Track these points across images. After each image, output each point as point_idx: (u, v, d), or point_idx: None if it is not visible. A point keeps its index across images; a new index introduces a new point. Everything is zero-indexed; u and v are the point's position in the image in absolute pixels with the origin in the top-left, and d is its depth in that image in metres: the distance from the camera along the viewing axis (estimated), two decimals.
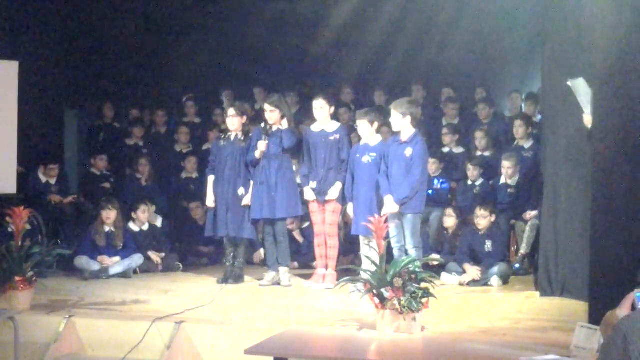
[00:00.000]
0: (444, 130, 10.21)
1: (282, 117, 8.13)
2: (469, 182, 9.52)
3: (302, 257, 9.39)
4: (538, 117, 10.03)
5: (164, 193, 10.52)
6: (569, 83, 6.45)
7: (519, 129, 9.56)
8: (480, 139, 9.86)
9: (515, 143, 9.67)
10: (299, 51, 12.33)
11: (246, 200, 8.13)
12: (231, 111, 8.37)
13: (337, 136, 8.04)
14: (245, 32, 12.12)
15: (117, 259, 8.69)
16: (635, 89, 5.54)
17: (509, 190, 9.21)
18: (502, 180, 9.28)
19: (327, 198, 7.94)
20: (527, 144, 9.54)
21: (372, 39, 11.67)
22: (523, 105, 10.84)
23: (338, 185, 7.93)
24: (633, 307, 2.23)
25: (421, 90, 11.18)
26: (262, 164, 8.09)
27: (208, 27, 12.26)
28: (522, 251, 8.88)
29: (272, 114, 8.12)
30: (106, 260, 8.64)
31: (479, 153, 9.87)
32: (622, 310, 2.24)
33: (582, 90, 6.37)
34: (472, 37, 11.36)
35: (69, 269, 8.71)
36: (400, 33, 11.66)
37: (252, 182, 8.17)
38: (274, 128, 8.15)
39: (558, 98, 7.18)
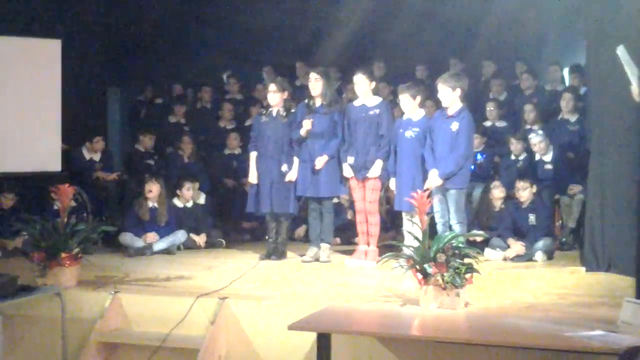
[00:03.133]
0: (490, 105, 10.10)
1: (323, 92, 8.08)
2: (512, 157, 9.41)
3: (344, 233, 9.37)
4: (583, 90, 9.87)
5: (206, 170, 10.57)
6: (618, 52, 6.26)
7: (568, 102, 9.42)
8: (528, 112, 9.73)
9: (561, 116, 9.52)
10: (338, 26, 12.25)
11: (290, 177, 8.13)
12: (272, 87, 8.34)
13: (377, 111, 7.96)
14: (283, 8, 12.08)
15: (157, 237, 8.76)
16: None
17: (545, 166, 9.10)
18: (537, 157, 9.18)
19: (368, 175, 7.89)
20: (573, 118, 9.40)
21: (411, 14, 11.54)
22: (567, 78, 10.67)
23: (379, 163, 7.86)
24: None
25: (458, 64, 11.06)
26: (306, 141, 8.09)
27: (247, 4, 12.21)
28: (569, 225, 8.78)
29: (316, 83, 8.07)
30: (150, 237, 8.71)
31: (527, 127, 9.74)
32: None
33: (626, 58, 6.19)
34: (511, 10, 11.16)
35: (114, 246, 8.80)
36: (439, 6, 11.53)
37: (296, 158, 8.16)
38: (317, 102, 8.11)
39: (604, 68, 7.04)
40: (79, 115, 10.19)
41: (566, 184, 8.96)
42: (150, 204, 8.93)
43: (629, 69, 6.21)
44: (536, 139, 9.12)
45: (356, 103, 8.15)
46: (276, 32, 12.38)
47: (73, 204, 7.80)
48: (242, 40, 12.38)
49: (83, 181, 9.29)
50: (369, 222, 8.02)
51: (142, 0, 11.79)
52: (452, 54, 11.27)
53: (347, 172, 8.00)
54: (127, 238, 8.66)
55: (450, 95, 7.39)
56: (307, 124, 8.01)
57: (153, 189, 8.93)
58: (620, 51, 6.26)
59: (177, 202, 9.33)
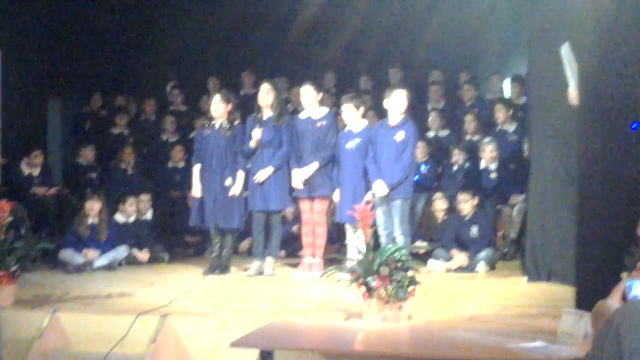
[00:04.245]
0: (432, 115, 10.15)
1: (273, 104, 8.03)
2: (455, 168, 9.47)
3: (289, 245, 9.33)
4: (523, 99, 9.99)
5: (149, 183, 10.43)
6: (561, 50, 6.28)
7: (498, 113, 9.52)
8: (469, 122, 9.80)
9: (499, 127, 9.61)
10: (281, 37, 12.25)
11: (234, 190, 8.05)
12: (217, 97, 8.24)
13: (324, 122, 7.96)
14: (228, 18, 12.04)
15: (97, 253, 8.60)
16: (624, 65, 5.48)
17: (490, 175, 9.19)
18: (483, 165, 9.26)
19: (314, 195, 7.86)
20: (511, 128, 9.49)
21: (354, 24, 11.59)
22: (510, 88, 10.80)
23: (314, 165, 7.84)
24: (623, 297, 2.17)
25: (398, 73, 11.13)
26: (256, 153, 8.03)
27: (192, 14, 12.15)
28: (510, 236, 8.86)
29: (267, 96, 8.01)
30: (90, 253, 8.55)
31: (467, 137, 9.81)
32: (613, 300, 2.17)
33: (569, 58, 6.19)
34: (455, 20, 11.30)
35: (53, 262, 8.59)
36: (383, 16, 11.63)
37: (240, 171, 8.07)
38: (265, 114, 8.05)
39: (544, 76, 7.12)
40: (19, 129, 10.02)
41: (508, 194, 9.05)
42: (91, 220, 8.76)
43: (570, 70, 6.20)
44: (490, 146, 9.17)
45: (302, 115, 8.14)
46: (221, 41, 12.32)
47: (10, 219, 7.65)
48: (187, 50, 12.28)
49: (21, 196, 9.08)
50: (315, 233, 7.98)
51: (83, 12, 11.65)
52: (395, 65, 11.31)
53: (297, 183, 7.93)
54: (66, 254, 8.48)
55: (404, 104, 7.45)
56: (256, 133, 7.95)
57: (95, 207, 8.76)
58: (564, 50, 6.24)
59: (119, 217, 9.18)
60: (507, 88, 10.97)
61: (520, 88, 10.18)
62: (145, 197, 9.45)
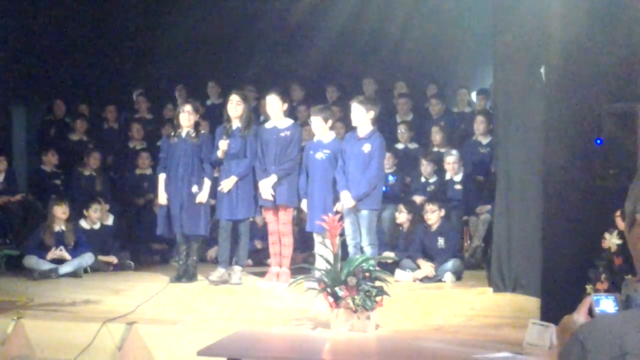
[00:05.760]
0: (401, 127, 10.21)
1: (242, 115, 8.04)
2: (423, 179, 9.53)
3: (256, 254, 9.33)
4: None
5: (116, 190, 10.36)
6: (542, 70, 6.39)
7: (479, 125, 9.58)
8: (435, 134, 9.88)
9: (474, 138, 9.68)
10: (252, 49, 12.25)
11: (200, 198, 8.05)
12: (188, 107, 8.23)
13: (288, 133, 7.98)
14: (198, 28, 12.02)
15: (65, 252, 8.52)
16: (588, 85, 5.59)
17: (455, 186, 9.27)
18: (448, 177, 9.35)
19: (277, 203, 7.87)
20: (486, 140, 9.54)
21: (325, 37, 11.63)
22: (475, 100, 10.91)
23: (272, 178, 7.85)
24: (590, 311, 2.19)
25: (372, 84, 11.17)
26: (223, 163, 8.02)
27: (158, 23, 12.11)
28: (474, 244, 8.94)
29: (238, 107, 8.03)
30: (57, 252, 8.45)
31: (435, 149, 9.89)
32: (579, 315, 2.19)
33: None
34: (425, 34, 11.40)
35: (18, 269, 8.52)
36: (354, 30, 11.68)
37: (207, 180, 8.08)
38: (235, 124, 8.06)
39: (510, 91, 7.21)
40: None
41: (474, 206, 9.12)
42: (57, 227, 8.67)
43: None
44: (451, 158, 9.26)
45: (268, 125, 8.15)
46: (188, 50, 12.29)
47: None
48: (153, 58, 12.23)
49: None
50: (282, 243, 7.99)
51: (46, 20, 11.57)
52: (365, 76, 11.36)
53: (266, 195, 7.93)
54: (31, 261, 8.38)
55: (362, 117, 7.48)
56: (223, 145, 7.95)
57: (67, 211, 8.68)
58: (543, 70, 6.36)
59: (84, 224, 9.10)
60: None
61: (486, 101, 10.31)
62: (99, 206, 9.36)
